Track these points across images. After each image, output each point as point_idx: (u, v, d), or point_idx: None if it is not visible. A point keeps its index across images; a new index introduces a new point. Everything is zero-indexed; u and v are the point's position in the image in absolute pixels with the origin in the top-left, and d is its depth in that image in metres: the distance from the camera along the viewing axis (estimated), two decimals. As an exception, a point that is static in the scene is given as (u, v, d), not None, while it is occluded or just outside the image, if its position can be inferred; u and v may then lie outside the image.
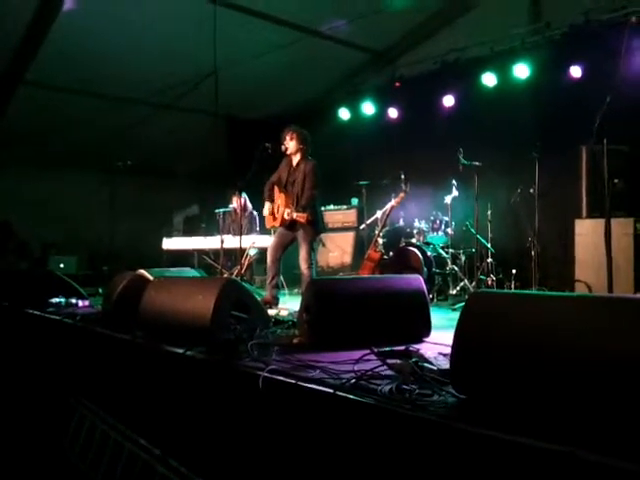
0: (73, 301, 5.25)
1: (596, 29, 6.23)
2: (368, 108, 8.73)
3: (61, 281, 5.70)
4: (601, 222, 3.17)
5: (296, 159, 5.66)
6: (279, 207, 5.59)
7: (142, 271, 4.33)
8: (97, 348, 3.96)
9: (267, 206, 5.73)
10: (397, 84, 8.35)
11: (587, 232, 5.87)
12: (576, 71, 6.52)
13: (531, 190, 6.08)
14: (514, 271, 6.50)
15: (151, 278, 4.11)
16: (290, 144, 5.60)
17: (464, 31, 7.74)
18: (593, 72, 6.30)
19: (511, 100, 7.12)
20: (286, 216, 5.45)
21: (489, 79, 7.27)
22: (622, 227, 5.50)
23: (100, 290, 6.45)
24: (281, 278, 5.77)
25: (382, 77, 8.83)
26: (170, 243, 8.12)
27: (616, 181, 5.59)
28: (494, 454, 1.56)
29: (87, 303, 5.28)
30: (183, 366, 2.97)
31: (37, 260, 9.51)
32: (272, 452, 2.33)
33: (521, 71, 6.96)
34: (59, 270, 8.17)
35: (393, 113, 8.47)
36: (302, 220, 5.38)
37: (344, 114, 9.04)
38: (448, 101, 7.75)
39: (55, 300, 5.24)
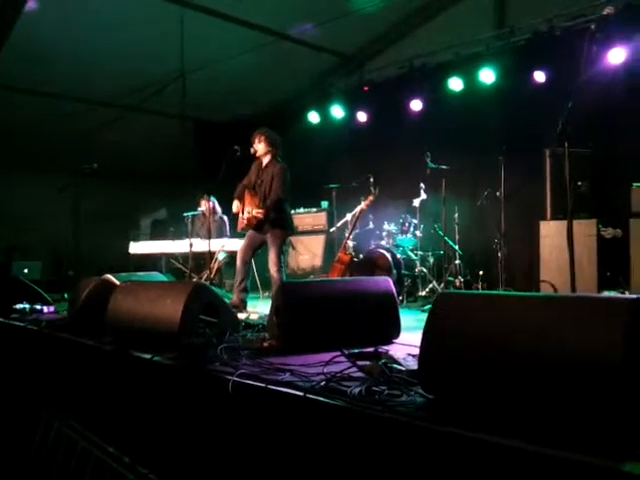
0: (38, 307, 5.13)
1: (559, 36, 6.39)
2: (337, 111, 8.77)
3: (26, 287, 5.57)
4: (565, 224, 3.24)
5: (265, 161, 5.65)
6: (245, 208, 5.57)
7: (108, 276, 4.25)
8: (63, 355, 3.88)
9: (236, 203, 5.67)
10: (366, 88, 8.41)
11: (552, 233, 6.00)
12: (540, 76, 6.66)
13: (497, 193, 6.20)
14: (481, 272, 6.62)
15: (118, 283, 4.04)
16: (259, 147, 5.59)
17: (431, 36, 7.86)
18: (556, 77, 6.45)
19: (477, 104, 7.24)
20: (246, 214, 5.44)
21: (455, 84, 7.38)
22: (585, 228, 5.64)
23: (65, 295, 6.31)
24: (257, 281, 5.71)
25: (351, 81, 8.89)
26: (137, 247, 8.02)
27: (579, 183, 5.74)
28: (461, 452, 1.58)
29: (52, 309, 5.17)
30: (151, 372, 2.93)
31: (0, 265, 9.27)
32: (243, 456, 2.32)
33: (486, 76, 7.08)
34: (23, 275, 7.97)
35: (362, 117, 8.52)
36: (260, 215, 5.35)
37: (313, 117, 9.06)
38: (416, 105, 7.83)
39: (19, 306, 5.12)
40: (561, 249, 4.93)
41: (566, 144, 3.21)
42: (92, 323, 3.78)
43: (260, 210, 5.36)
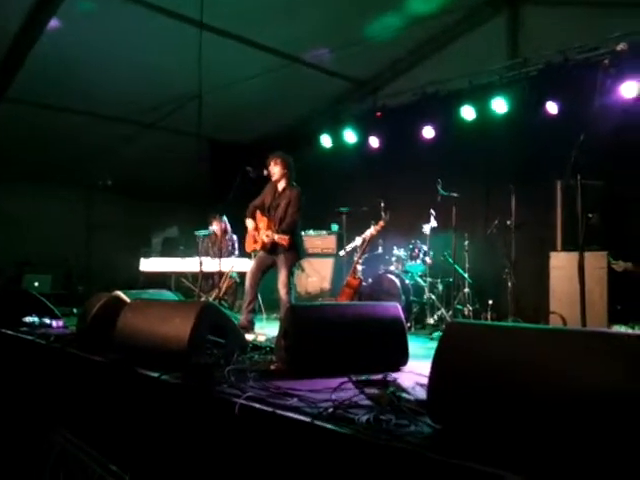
0: (47, 321, 5.15)
1: (572, 67, 6.44)
2: (350, 136, 8.84)
3: (36, 300, 5.61)
4: (576, 255, 3.24)
5: (281, 185, 5.69)
6: (260, 230, 5.60)
7: (118, 292, 4.28)
8: (70, 370, 3.89)
9: (250, 222, 5.71)
10: (378, 114, 8.48)
11: (562, 265, 5.97)
12: (552, 107, 6.70)
13: (508, 222, 6.20)
14: (490, 302, 6.57)
15: (127, 300, 4.06)
16: (274, 170, 5.63)
17: (444, 64, 7.94)
18: (569, 108, 6.47)
19: (489, 133, 7.28)
20: (265, 238, 5.44)
21: (468, 112, 7.42)
22: (596, 260, 5.61)
23: (74, 310, 6.34)
24: (260, 302, 5.74)
25: (364, 106, 8.97)
26: (148, 264, 8.04)
27: (590, 215, 5.72)
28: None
29: (61, 323, 5.19)
30: (158, 390, 2.93)
31: (11, 278, 9.33)
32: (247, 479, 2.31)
33: (499, 105, 7.12)
34: (33, 289, 8.02)
35: (374, 142, 8.58)
36: (284, 242, 5.33)
37: (326, 141, 9.14)
38: (428, 132, 7.87)
39: (29, 320, 5.15)
40: (571, 281, 4.92)
41: (578, 176, 3.23)
42: (101, 339, 3.79)
43: (285, 237, 5.30)
